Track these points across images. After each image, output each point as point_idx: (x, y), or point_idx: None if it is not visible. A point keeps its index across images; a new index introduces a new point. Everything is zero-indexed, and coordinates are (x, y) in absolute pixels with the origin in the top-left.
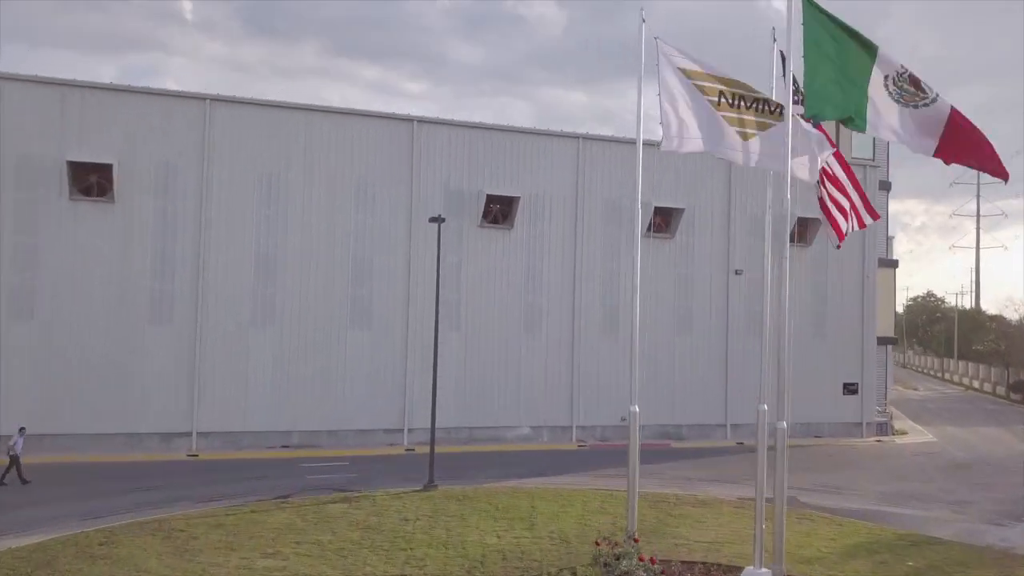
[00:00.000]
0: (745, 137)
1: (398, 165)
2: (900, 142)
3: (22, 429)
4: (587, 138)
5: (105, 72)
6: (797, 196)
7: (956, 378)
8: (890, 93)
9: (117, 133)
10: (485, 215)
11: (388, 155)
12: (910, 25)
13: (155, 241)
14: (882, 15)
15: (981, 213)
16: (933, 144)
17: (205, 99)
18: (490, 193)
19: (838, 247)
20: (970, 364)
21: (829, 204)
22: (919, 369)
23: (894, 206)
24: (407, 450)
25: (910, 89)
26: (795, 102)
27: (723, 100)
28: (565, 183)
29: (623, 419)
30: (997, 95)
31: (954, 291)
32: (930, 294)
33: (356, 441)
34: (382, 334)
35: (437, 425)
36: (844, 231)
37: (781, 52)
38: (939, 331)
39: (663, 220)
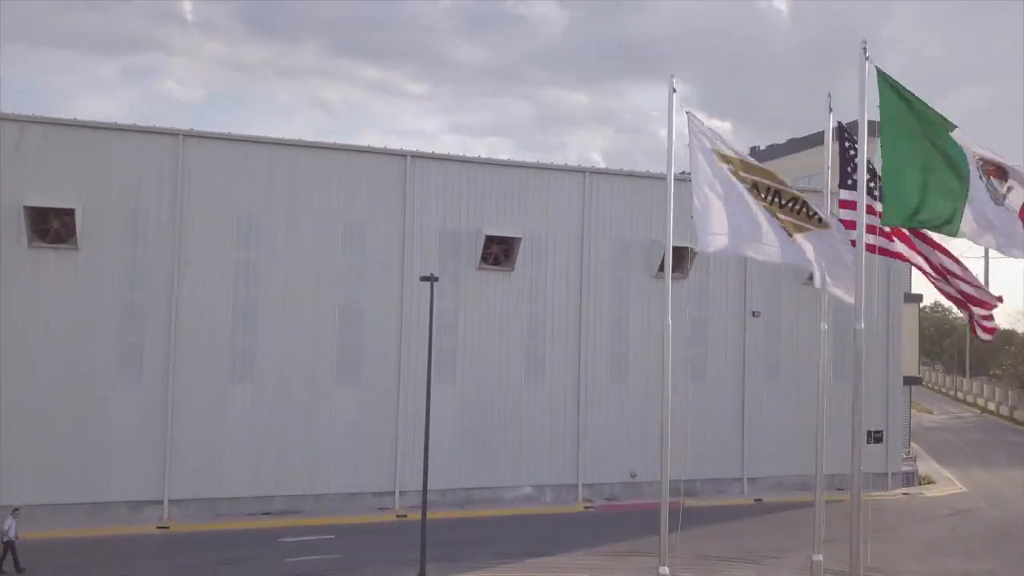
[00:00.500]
0: (788, 232)
1: (390, 204)
2: (1002, 251)
3: (15, 511)
4: (593, 172)
5: (105, 72)
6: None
7: (970, 398)
8: (984, 188)
9: (81, 174)
10: (484, 257)
11: (379, 193)
12: (913, 25)
13: (123, 291)
14: (884, 15)
15: None
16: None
17: (178, 135)
18: (489, 234)
19: (986, 343)
20: (984, 384)
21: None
22: (930, 385)
23: None
24: (398, 516)
25: (995, 181)
26: (868, 193)
27: (759, 193)
28: (570, 221)
29: (633, 475)
30: (998, 95)
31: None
32: (938, 305)
33: (343, 506)
34: (371, 389)
35: (431, 487)
36: (984, 326)
37: (840, 123)
38: (949, 345)
39: (675, 259)
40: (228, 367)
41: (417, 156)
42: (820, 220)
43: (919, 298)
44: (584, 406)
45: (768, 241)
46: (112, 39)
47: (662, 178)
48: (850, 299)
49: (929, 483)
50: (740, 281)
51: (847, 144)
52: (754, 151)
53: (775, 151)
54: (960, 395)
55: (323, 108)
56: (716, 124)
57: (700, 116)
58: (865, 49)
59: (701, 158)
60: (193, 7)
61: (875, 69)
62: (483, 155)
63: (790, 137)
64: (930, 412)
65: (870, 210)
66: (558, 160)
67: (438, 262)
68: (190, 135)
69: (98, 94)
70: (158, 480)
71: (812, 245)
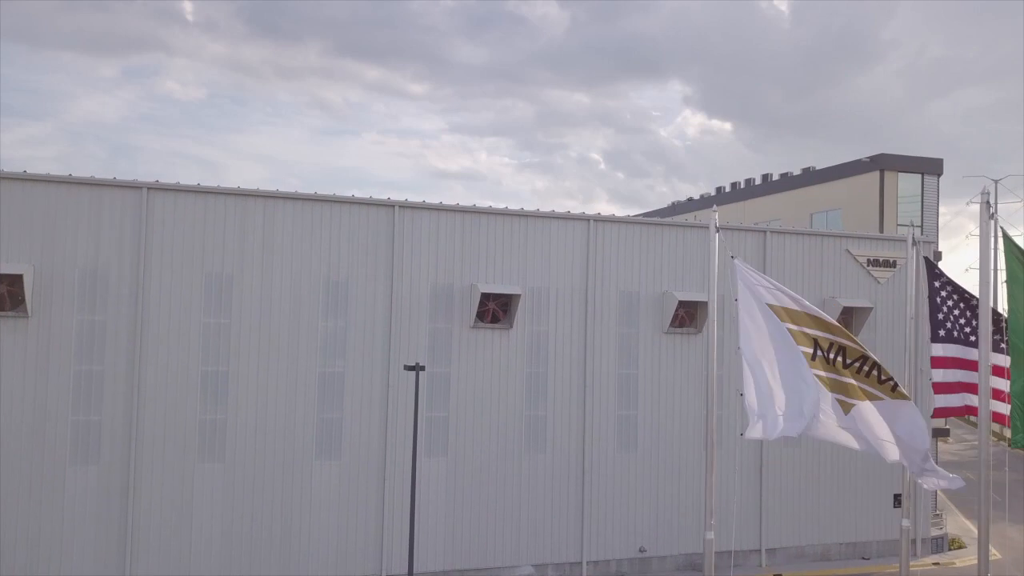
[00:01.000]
0: (846, 408)
1: (376, 260)
2: None
3: None
4: (599, 220)
5: (105, 72)
6: (841, 283)
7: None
8: None
9: (33, 233)
10: (480, 314)
11: (364, 248)
12: (917, 26)
13: (79, 362)
14: (886, 16)
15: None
16: None
17: (142, 188)
18: (485, 292)
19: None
20: None
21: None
22: None
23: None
24: None
25: None
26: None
27: (819, 353)
28: (574, 272)
29: (642, 550)
30: (1004, 98)
31: None
32: None
33: None
34: (355, 464)
35: (421, 569)
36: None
37: (926, 259)
38: None
39: (687, 313)
40: (196, 443)
41: (406, 207)
42: (895, 388)
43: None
44: (589, 475)
45: (827, 418)
46: (112, 39)
47: (673, 225)
48: (935, 486)
49: (959, 547)
50: None
51: (937, 285)
52: (767, 178)
53: (790, 182)
54: (974, 418)
55: (323, 108)
56: (716, 124)
57: (700, 116)
58: (989, 204)
59: (752, 319)
60: (194, 7)
61: (1002, 232)
62: (477, 203)
63: (806, 167)
64: (947, 440)
65: (997, 371)
66: (558, 160)
67: (429, 321)
68: (155, 188)
69: (98, 94)
70: (117, 567)
71: (882, 418)
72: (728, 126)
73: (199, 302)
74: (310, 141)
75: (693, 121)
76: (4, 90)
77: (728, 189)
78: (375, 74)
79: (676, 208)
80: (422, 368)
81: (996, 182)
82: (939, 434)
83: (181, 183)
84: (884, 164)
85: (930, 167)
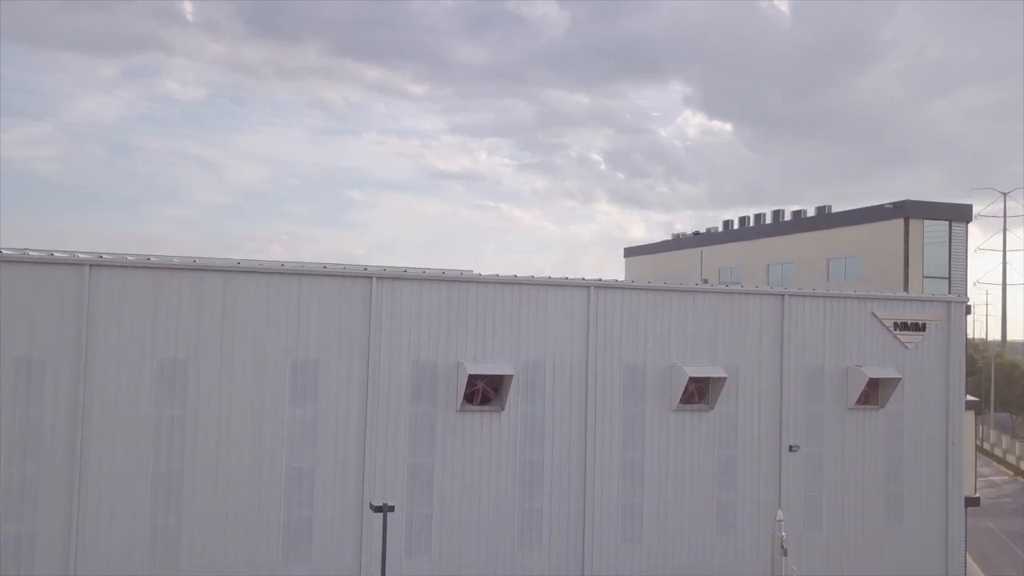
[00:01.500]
0: None
1: (351, 336)
2: None
3: None
4: (600, 286)
5: (106, 72)
6: (864, 352)
7: (999, 451)
8: None
9: None
10: (468, 396)
11: (337, 324)
12: (917, 26)
13: (12, 464)
14: (886, 16)
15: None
16: None
17: (84, 265)
18: (474, 373)
19: None
20: (1017, 442)
21: None
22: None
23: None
24: None
25: None
26: None
27: None
28: (573, 345)
29: None
30: (1004, 98)
31: (978, 334)
32: None
33: None
34: (327, 568)
35: None
36: None
37: None
38: (973, 383)
39: (699, 389)
40: (146, 551)
41: (384, 277)
42: None
43: (975, 405)
44: (591, 572)
45: None
46: (112, 39)
47: (681, 291)
48: None
49: None
50: (775, 410)
51: None
52: (778, 215)
53: (805, 223)
54: (987, 445)
55: (323, 108)
56: (716, 124)
57: (700, 116)
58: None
59: None
60: (194, 7)
61: None
62: (467, 267)
63: (820, 205)
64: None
65: None
66: (558, 160)
67: (410, 405)
68: (98, 264)
69: (98, 94)
70: None
71: None
72: (728, 126)
73: (149, 392)
74: (310, 141)
75: (693, 121)
76: (4, 90)
77: (736, 224)
78: (375, 74)
79: (680, 242)
80: (391, 509)
81: (1005, 195)
82: (970, 503)
83: (128, 258)
84: (909, 211)
85: (958, 213)
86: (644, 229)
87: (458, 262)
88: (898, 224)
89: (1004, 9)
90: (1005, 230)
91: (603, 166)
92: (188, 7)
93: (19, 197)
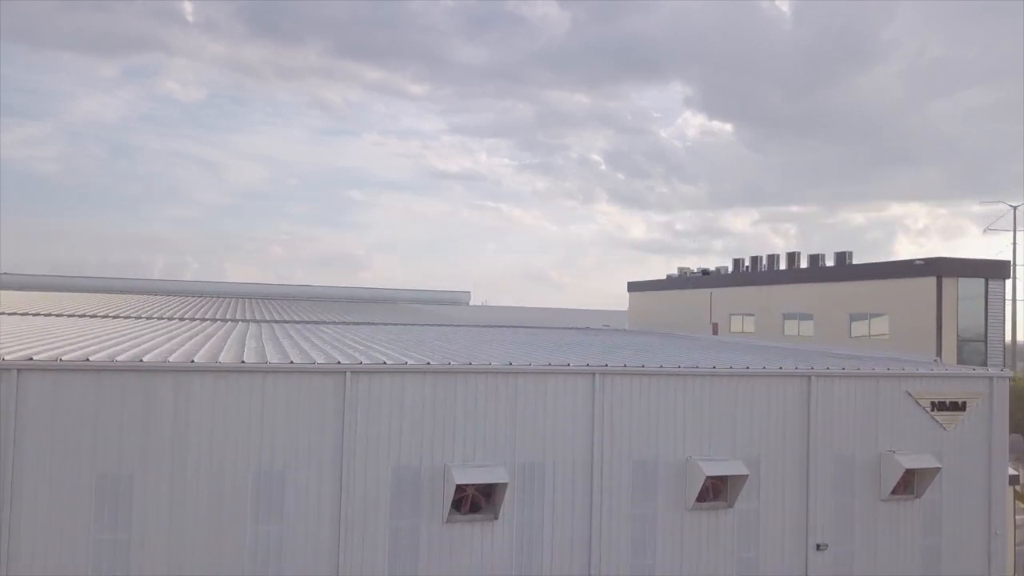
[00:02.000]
0: None
1: (321, 440)
2: None
3: None
4: (606, 373)
5: (106, 72)
6: (898, 435)
7: (1020, 487)
8: None
9: None
10: (456, 503)
11: (307, 426)
12: (917, 26)
13: None
14: (886, 16)
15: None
16: None
17: (10, 369)
18: (462, 483)
19: None
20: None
21: None
22: None
23: (897, 209)
24: None
25: None
26: None
27: None
28: (575, 440)
29: None
30: (1004, 98)
31: None
32: None
33: None
34: None
35: None
36: None
37: None
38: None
39: (715, 485)
40: None
41: (360, 371)
42: None
43: (1015, 479)
44: None
45: None
46: (112, 39)
47: (696, 375)
48: None
49: None
50: (801, 505)
51: None
52: (793, 259)
53: (824, 273)
54: (1018, 487)
55: (323, 108)
56: (716, 125)
57: (700, 117)
58: None
59: None
60: (194, 7)
61: None
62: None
63: (840, 251)
64: None
65: None
66: (558, 161)
67: (390, 518)
68: (27, 368)
69: (98, 94)
70: None
71: None
72: (728, 127)
73: (88, 513)
74: (310, 141)
75: (693, 122)
76: (4, 90)
77: (748, 264)
78: (375, 74)
79: (686, 281)
80: None
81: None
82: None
83: (63, 360)
84: (941, 269)
85: (995, 271)
86: (644, 229)
87: (458, 262)
88: (930, 282)
89: (1004, 9)
90: (1015, 244)
91: (603, 166)
92: (188, 7)
93: (19, 197)
